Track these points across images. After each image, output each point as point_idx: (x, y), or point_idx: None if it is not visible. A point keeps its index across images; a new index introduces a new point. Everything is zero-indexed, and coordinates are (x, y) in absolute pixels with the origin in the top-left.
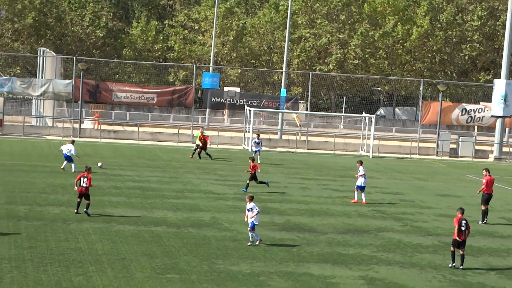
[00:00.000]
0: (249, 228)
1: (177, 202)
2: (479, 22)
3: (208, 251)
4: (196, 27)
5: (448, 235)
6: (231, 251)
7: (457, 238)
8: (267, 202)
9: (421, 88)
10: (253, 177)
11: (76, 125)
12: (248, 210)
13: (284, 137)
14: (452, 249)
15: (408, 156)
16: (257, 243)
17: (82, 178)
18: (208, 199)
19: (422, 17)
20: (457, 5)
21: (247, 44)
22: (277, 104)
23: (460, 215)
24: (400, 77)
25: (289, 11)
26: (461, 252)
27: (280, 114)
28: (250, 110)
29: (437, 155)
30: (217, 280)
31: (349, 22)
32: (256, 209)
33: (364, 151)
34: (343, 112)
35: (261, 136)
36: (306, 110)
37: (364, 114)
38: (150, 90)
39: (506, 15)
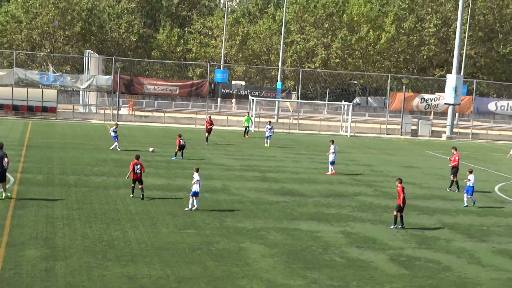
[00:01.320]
0: (190, 195)
1: None
2: (435, 29)
3: (219, 211)
4: (210, 33)
5: (409, 198)
6: (237, 211)
7: (401, 204)
8: (266, 172)
9: (388, 82)
10: (181, 148)
11: (115, 112)
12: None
13: (280, 120)
14: (395, 213)
15: (378, 135)
16: (193, 208)
17: (135, 166)
18: (220, 170)
19: (389, 25)
20: (417, 15)
21: (250, 47)
22: (274, 94)
23: (401, 185)
24: (372, 73)
25: (283, 20)
26: (401, 214)
27: (277, 102)
28: (253, 99)
29: (401, 135)
30: (226, 234)
31: (331, 29)
32: (196, 178)
33: (343, 131)
34: (327, 100)
35: (261, 119)
36: (297, 99)
37: (343, 102)
38: (173, 83)
39: (456, 23)
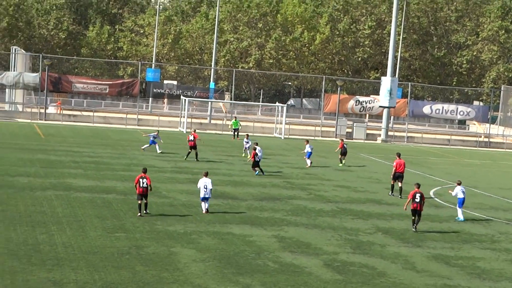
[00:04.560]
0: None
1: (125, 174)
2: (369, 31)
3: (149, 215)
4: (141, 31)
5: (344, 202)
6: (168, 214)
7: (414, 208)
8: (198, 175)
9: (323, 83)
10: (256, 164)
11: (42, 110)
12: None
13: (212, 121)
14: (413, 217)
15: (312, 137)
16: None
17: (141, 180)
18: (150, 172)
19: (324, 26)
20: (351, 17)
21: (182, 46)
22: (207, 95)
23: (415, 189)
24: (306, 74)
25: (216, 19)
26: (418, 218)
27: (210, 102)
28: (185, 100)
29: (336, 137)
30: (156, 238)
31: (265, 29)
32: (203, 183)
33: (277, 133)
34: (261, 101)
35: (193, 120)
36: (231, 99)
37: (277, 104)
38: (103, 82)
39: (391, 26)
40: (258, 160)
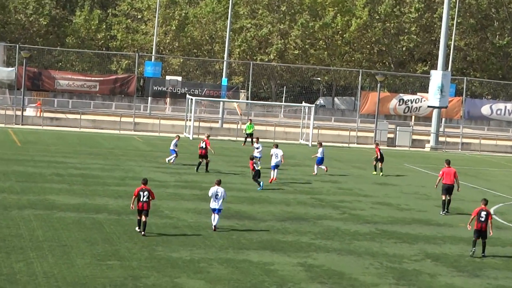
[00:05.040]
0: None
1: (119, 190)
2: (416, 14)
3: (148, 238)
4: (139, 16)
5: (385, 223)
6: (171, 238)
7: (477, 228)
8: (207, 190)
9: (359, 79)
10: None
11: (19, 113)
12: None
13: (225, 125)
14: (474, 238)
15: (346, 145)
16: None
17: (141, 192)
18: (150, 186)
19: (361, 9)
20: None
21: (189, 34)
22: (219, 93)
23: (482, 206)
24: (339, 67)
25: (230, 1)
26: (482, 241)
27: (221, 103)
28: (191, 99)
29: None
30: (157, 267)
31: (289, 13)
32: (212, 192)
33: (303, 139)
34: (283, 101)
35: (202, 124)
36: (247, 99)
37: (303, 104)
38: (92, 78)
39: (442, 8)
40: (275, 165)
